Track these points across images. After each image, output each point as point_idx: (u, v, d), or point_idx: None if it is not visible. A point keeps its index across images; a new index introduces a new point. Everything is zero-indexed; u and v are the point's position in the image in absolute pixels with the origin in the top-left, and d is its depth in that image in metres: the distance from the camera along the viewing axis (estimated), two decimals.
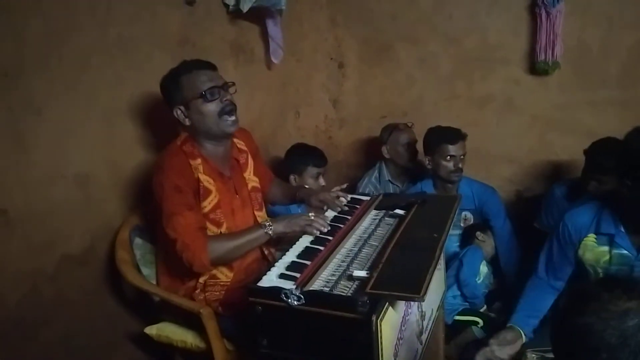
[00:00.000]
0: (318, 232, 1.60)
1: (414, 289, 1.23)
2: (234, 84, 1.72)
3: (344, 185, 1.94)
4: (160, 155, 1.70)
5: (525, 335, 1.71)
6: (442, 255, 1.77)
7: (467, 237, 2.39)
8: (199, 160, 1.66)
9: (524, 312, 1.78)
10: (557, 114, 2.53)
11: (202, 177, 1.65)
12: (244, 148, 1.85)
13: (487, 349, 1.65)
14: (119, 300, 1.94)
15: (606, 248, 1.67)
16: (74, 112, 1.74)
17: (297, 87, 2.88)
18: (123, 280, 1.81)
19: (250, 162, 1.85)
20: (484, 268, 2.30)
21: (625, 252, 1.64)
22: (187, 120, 1.66)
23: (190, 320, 1.65)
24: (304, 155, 2.38)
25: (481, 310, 2.26)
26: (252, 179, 1.83)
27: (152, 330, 1.77)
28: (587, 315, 0.77)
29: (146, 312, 1.89)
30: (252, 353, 1.42)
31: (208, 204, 1.65)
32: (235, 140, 1.82)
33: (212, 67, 1.69)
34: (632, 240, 1.64)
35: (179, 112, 1.66)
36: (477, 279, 2.25)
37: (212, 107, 1.64)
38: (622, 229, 1.64)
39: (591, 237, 1.70)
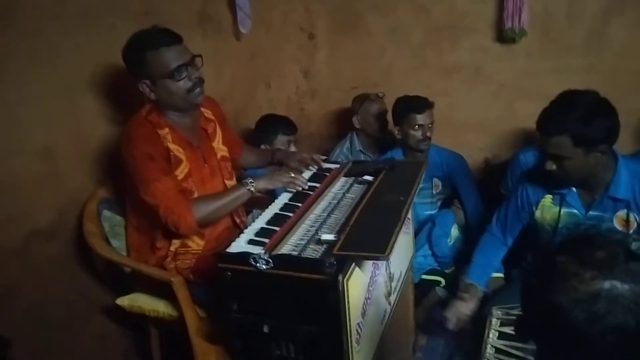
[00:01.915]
0: (300, 189, 1.64)
1: (379, 249, 1.26)
2: (200, 56, 1.68)
3: (323, 157, 1.93)
4: (126, 126, 1.67)
5: (481, 289, 1.80)
6: (410, 219, 1.82)
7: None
8: (166, 130, 1.64)
9: (479, 268, 1.87)
10: (524, 81, 2.56)
11: (172, 146, 1.64)
12: (212, 117, 1.83)
13: (455, 308, 1.72)
14: (89, 273, 1.93)
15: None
16: (32, 84, 1.69)
17: (267, 58, 2.85)
18: (93, 253, 1.79)
19: (219, 131, 1.84)
20: (455, 231, 2.37)
21: (575, 211, 1.71)
22: (152, 94, 1.64)
23: (162, 290, 1.66)
24: (273, 124, 2.38)
25: (448, 271, 2.34)
26: (220, 148, 1.82)
27: (123, 301, 1.78)
28: (558, 294, 0.75)
29: (117, 284, 1.89)
30: (223, 319, 1.44)
31: (180, 173, 1.64)
32: (202, 109, 1.80)
33: (178, 40, 1.63)
34: (582, 200, 1.71)
35: (144, 86, 1.63)
36: (448, 240, 2.31)
37: (180, 85, 1.61)
38: (574, 189, 1.70)
39: (548, 198, 1.77)
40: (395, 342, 1.75)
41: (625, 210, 1.68)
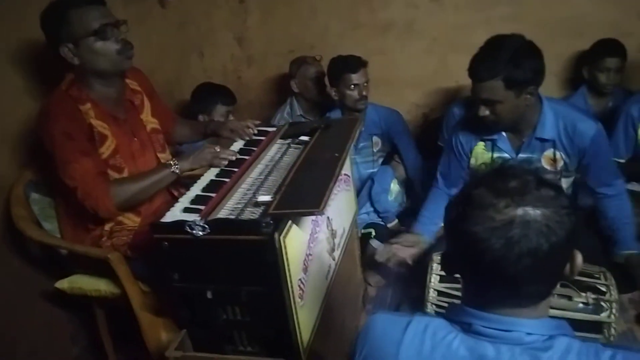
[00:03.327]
0: (226, 163, 1.59)
1: (314, 205, 1.27)
2: (125, 22, 1.60)
3: (257, 122, 1.91)
4: (45, 102, 1.59)
5: (426, 240, 1.84)
6: (350, 176, 1.84)
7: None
8: (88, 105, 1.57)
9: (424, 220, 1.91)
10: (455, 35, 2.59)
11: (95, 122, 1.56)
12: (138, 89, 1.76)
13: (387, 247, 1.75)
14: (24, 259, 1.85)
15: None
16: None
17: (197, 26, 2.75)
18: (25, 238, 1.72)
19: (147, 103, 1.77)
20: (395, 187, 2.41)
21: (506, 154, 1.78)
22: (75, 59, 1.54)
23: (101, 268, 1.61)
24: (211, 94, 2.32)
25: (390, 225, 2.39)
26: (150, 121, 1.76)
27: (63, 284, 1.72)
28: (475, 224, 0.78)
29: (55, 267, 1.82)
30: (166, 290, 1.42)
31: (106, 150, 1.58)
32: (127, 81, 1.72)
33: (102, 1, 1.56)
34: (512, 143, 1.78)
35: (66, 50, 1.52)
36: (388, 196, 2.36)
37: (107, 46, 1.53)
38: (504, 133, 1.76)
39: (480, 145, 1.83)
40: (345, 295, 1.79)
41: (552, 150, 1.77)
